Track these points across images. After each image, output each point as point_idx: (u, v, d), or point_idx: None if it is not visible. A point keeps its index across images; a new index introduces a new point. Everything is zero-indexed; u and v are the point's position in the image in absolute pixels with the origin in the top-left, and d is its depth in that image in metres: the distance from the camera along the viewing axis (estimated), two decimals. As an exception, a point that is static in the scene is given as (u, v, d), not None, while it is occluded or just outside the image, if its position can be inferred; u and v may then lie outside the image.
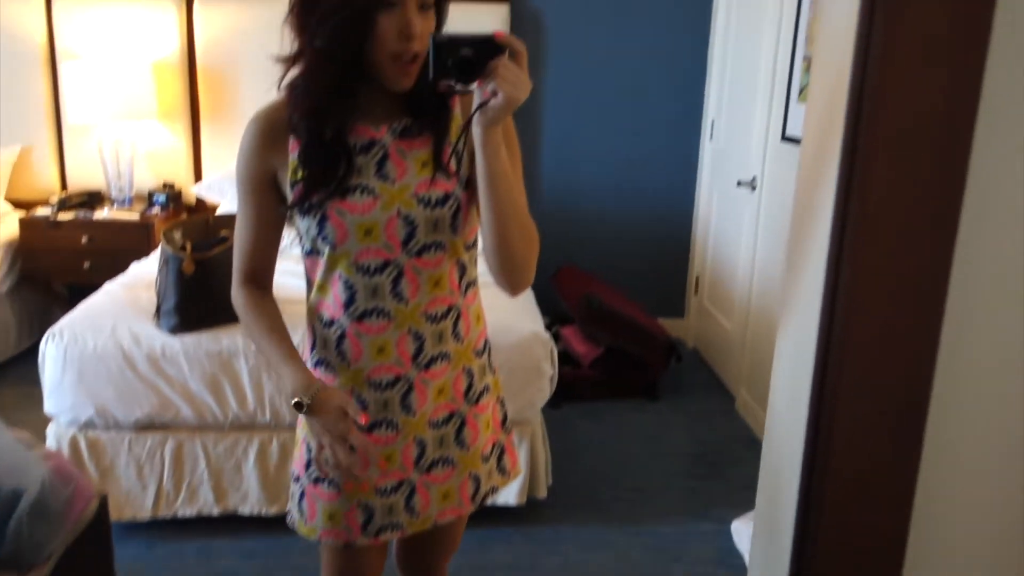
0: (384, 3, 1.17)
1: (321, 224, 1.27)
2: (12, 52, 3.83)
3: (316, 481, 1.40)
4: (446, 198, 1.30)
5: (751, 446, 3.25)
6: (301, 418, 1.44)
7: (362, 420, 1.27)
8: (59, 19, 3.84)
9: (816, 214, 1.28)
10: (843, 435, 1.10)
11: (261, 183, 1.33)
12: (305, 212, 1.29)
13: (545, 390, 2.61)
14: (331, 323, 1.35)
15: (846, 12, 1.21)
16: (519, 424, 2.61)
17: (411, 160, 1.30)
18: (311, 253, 1.35)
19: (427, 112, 1.32)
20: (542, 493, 2.70)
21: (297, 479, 1.45)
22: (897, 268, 1.03)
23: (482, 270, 1.41)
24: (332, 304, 1.34)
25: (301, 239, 1.35)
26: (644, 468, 3.08)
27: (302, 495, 1.43)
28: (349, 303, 1.32)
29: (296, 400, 1.27)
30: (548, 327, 2.74)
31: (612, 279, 4.20)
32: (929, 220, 1.00)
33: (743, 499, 2.84)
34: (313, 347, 1.40)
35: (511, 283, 1.32)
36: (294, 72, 1.27)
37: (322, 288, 1.34)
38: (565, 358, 3.64)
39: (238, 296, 1.39)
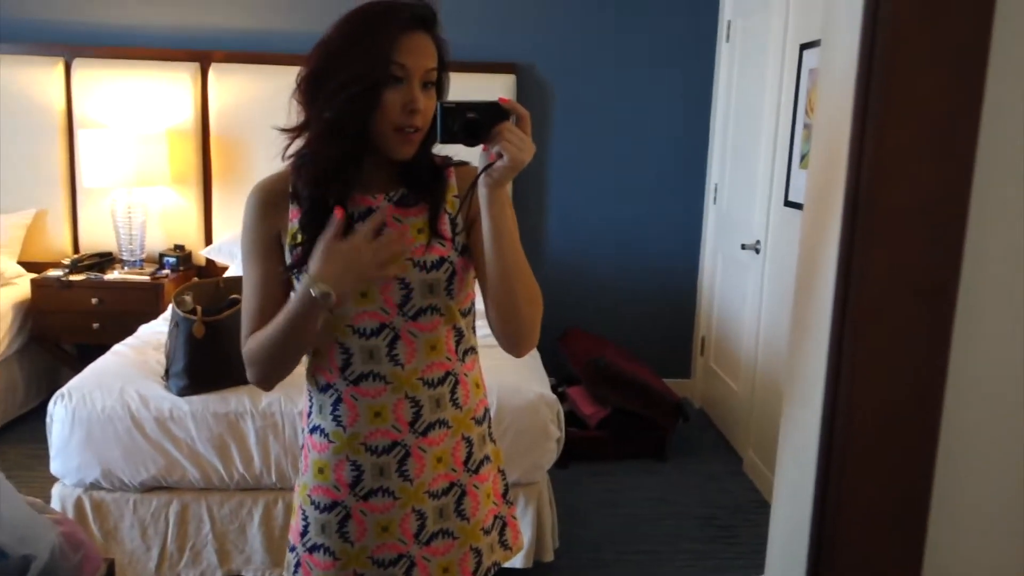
0: (392, 79, 1.23)
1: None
2: (32, 119, 3.94)
3: (311, 550, 1.39)
4: (441, 262, 1.33)
5: (759, 508, 3.22)
6: (296, 485, 1.44)
7: (337, 215, 1.23)
8: (77, 88, 3.95)
9: (818, 281, 1.31)
10: (851, 504, 1.11)
11: (265, 248, 1.36)
12: (303, 275, 1.31)
13: (552, 452, 2.61)
14: (327, 387, 1.36)
15: (842, 86, 1.26)
16: (526, 486, 2.60)
17: (407, 226, 1.33)
18: None
19: (424, 182, 1.36)
20: (548, 557, 2.67)
21: (292, 548, 1.43)
22: (899, 341, 1.05)
23: (483, 334, 1.42)
24: (328, 368, 1.35)
25: None
26: (652, 530, 3.05)
27: (297, 564, 1.41)
28: (345, 366, 1.33)
29: (318, 294, 1.21)
30: (554, 388, 2.75)
31: (618, 340, 4.21)
32: (929, 289, 1.02)
33: (752, 563, 2.81)
34: (310, 414, 1.41)
35: (516, 344, 1.33)
36: (299, 143, 1.32)
37: (318, 352, 1.36)
38: (572, 419, 3.63)
39: (247, 343, 1.35)
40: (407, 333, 1.33)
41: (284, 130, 1.32)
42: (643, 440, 3.65)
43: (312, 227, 1.30)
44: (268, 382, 1.35)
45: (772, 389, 3.31)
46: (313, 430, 1.39)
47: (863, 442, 1.15)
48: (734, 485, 3.45)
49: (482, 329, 1.45)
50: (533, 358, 2.93)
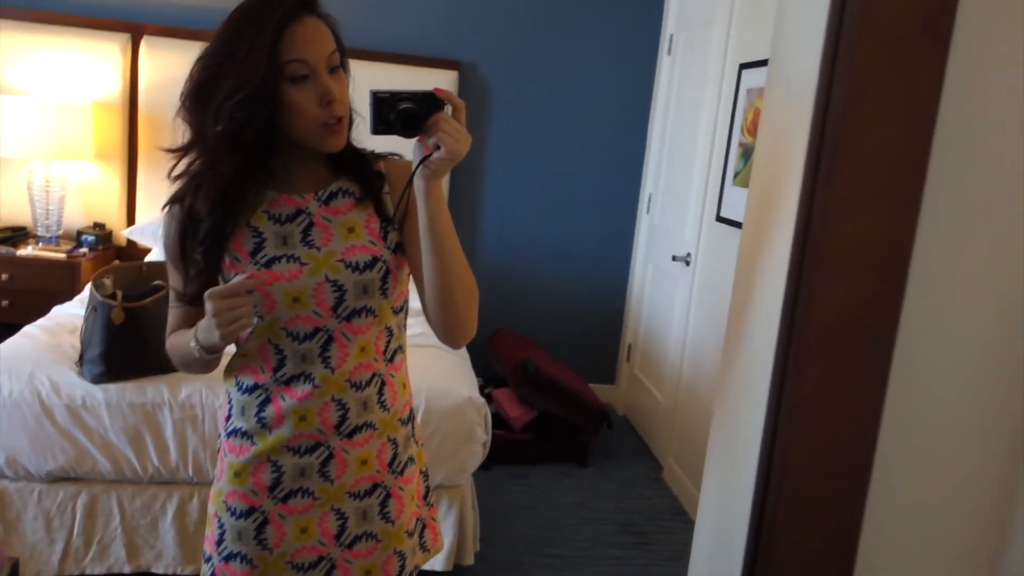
0: (295, 78, 1.19)
1: (248, 294, 1.26)
2: (-56, 81, 3.72)
3: (228, 559, 1.35)
4: (374, 261, 1.31)
5: (676, 516, 3.28)
6: (211, 492, 1.40)
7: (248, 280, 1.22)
8: (-2, 51, 3.75)
9: (756, 303, 1.34)
10: (786, 527, 1.13)
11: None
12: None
13: (478, 455, 2.60)
14: (255, 388, 1.32)
15: (789, 112, 1.29)
16: (450, 489, 2.59)
17: (336, 226, 1.31)
18: None
19: (357, 176, 1.34)
20: (469, 560, 2.66)
21: (208, 559, 1.39)
22: (841, 372, 1.08)
23: (412, 332, 1.40)
24: (260, 368, 1.32)
25: None
26: (571, 535, 3.08)
27: (212, 575, 1.37)
28: (279, 367, 1.30)
29: (197, 349, 1.26)
30: (481, 389, 2.75)
31: (547, 343, 4.24)
32: (872, 321, 1.06)
33: (666, 571, 2.86)
34: (229, 417, 1.37)
35: (454, 336, 1.31)
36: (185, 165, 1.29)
37: (247, 353, 1.32)
38: (497, 421, 3.63)
39: (167, 341, 1.37)
40: (340, 335, 1.30)
41: (172, 151, 1.28)
42: (566, 444, 3.68)
43: (214, 251, 1.27)
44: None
45: (695, 399, 3.37)
46: (232, 433, 1.35)
47: (801, 470, 1.17)
48: (653, 492, 3.51)
49: (412, 328, 1.43)
50: (463, 359, 2.92)
